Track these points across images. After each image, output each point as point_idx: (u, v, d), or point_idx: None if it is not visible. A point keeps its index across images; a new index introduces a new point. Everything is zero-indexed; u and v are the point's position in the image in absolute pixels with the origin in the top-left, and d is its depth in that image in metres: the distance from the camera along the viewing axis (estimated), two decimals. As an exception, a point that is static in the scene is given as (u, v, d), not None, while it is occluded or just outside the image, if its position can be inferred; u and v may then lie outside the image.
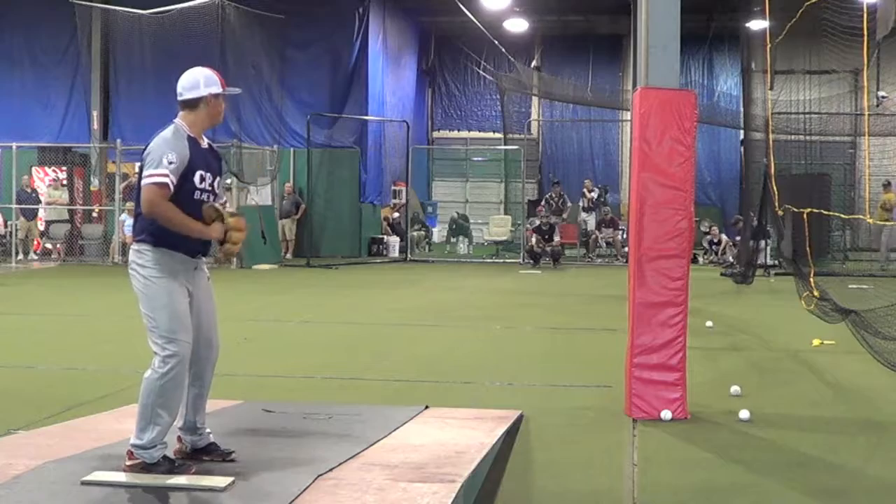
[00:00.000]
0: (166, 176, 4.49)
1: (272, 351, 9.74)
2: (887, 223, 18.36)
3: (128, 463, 4.53)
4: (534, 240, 21.43)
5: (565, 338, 10.83)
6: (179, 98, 4.71)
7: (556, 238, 21.39)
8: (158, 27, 21.85)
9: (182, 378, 4.56)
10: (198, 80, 4.70)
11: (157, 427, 4.49)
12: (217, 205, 4.74)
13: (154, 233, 4.57)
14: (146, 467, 4.49)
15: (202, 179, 4.65)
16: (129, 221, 21.02)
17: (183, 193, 4.57)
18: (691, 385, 6.63)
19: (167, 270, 4.56)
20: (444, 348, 9.98)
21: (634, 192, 6.67)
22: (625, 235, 20.69)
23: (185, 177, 4.57)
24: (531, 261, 21.39)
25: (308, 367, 8.67)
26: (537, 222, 21.72)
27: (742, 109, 20.71)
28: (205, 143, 4.80)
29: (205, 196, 4.68)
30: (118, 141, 21.97)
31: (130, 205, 21.52)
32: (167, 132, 4.63)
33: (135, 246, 4.64)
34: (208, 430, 4.85)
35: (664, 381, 6.52)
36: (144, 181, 4.53)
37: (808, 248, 10.70)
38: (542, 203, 24.38)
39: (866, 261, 20.68)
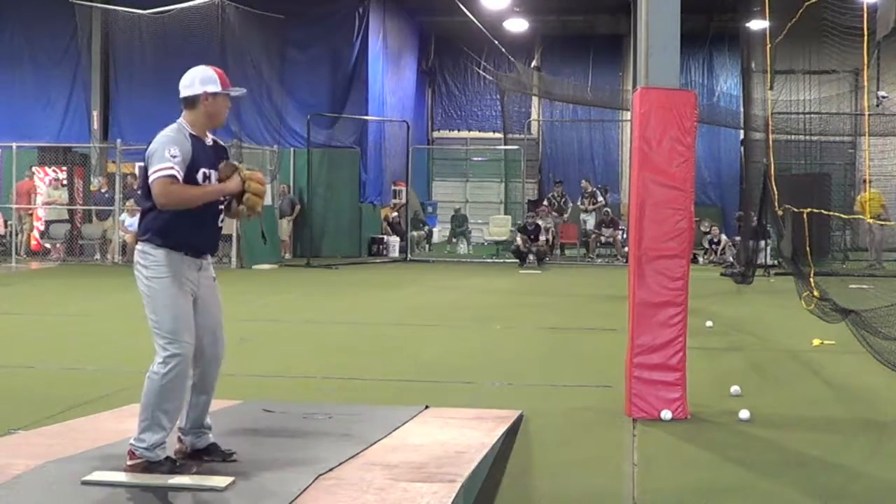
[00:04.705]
0: (172, 168, 4.49)
1: (272, 351, 9.73)
2: (885, 223, 18.31)
3: (129, 462, 4.51)
4: (519, 239, 21.49)
5: (565, 338, 10.83)
6: (180, 96, 4.72)
7: (542, 238, 21.38)
8: (158, 27, 21.88)
9: (184, 379, 4.56)
10: (194, 79, 4.70)
11: (159, 427, 4.49)
12: (233, 162, 4.78)
13: (158, 232, 4.57)
14: (148, 467, 4.48)
15: (206, 178, 4.66)
16: (129, 221, 21.02)
17: None
18: (691, 385, 6.63)
19: (171, 271, 4.55)
20: (444, 348, 9.98)
21: (634, 192, 6.67)
22: (625, 235, 20.68)
23: (188, 175, 4.56)
24: (517, 260, 21.40)
25: (308, 367, 8.67)
26: (537, 215, 21.77)
27: (742, 109, 20.71)
28: (209, 139, 4.79)
29: None
30: (118, 141, 21.97)
31: (130, 203, 21.49)
32: (168, 129, 4.64)
33: (139, 246, 4.63)
34: (209, 431, 4.83)
35: (664, 381, 6.52)
36: (152, 178, 4.51)
37: (807, 248, 10.69)
38: (545, 203, 24.42)
39: (866, 261, 20.66)
